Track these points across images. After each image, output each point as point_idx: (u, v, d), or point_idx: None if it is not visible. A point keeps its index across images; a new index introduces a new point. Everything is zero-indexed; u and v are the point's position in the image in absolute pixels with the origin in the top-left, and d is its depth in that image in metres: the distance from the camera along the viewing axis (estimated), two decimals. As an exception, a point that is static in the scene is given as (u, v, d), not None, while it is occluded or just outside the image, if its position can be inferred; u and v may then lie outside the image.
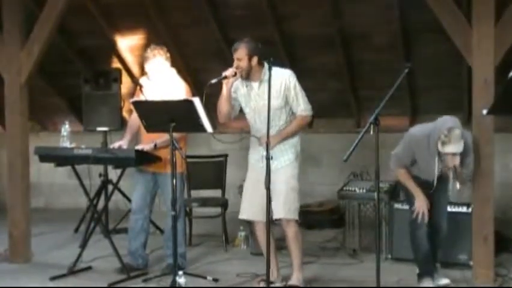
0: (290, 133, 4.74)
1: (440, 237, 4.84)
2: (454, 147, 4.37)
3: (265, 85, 4.46)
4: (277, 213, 4.68)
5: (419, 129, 4.70)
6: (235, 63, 4.64)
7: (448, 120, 4.48)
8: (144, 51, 5.30)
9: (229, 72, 4.61)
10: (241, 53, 4.62)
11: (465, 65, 5.36)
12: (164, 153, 4.98)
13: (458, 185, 4.59)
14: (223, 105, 4.72)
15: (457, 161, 4.42)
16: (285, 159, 4.72)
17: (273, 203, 4.65)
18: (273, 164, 4.57)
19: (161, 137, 5.05)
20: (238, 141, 5.06)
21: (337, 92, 7.33)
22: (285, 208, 4.67)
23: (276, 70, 4.58)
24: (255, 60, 4.64)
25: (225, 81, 4.63)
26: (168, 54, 5.25)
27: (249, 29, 6.65)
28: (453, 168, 4.47)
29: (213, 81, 4.56)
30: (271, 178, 4.46)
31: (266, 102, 4.36)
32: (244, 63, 4.62)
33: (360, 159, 5.08)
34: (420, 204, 4.67)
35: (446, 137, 4.35)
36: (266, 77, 4.48)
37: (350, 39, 6.79)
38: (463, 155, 4.43)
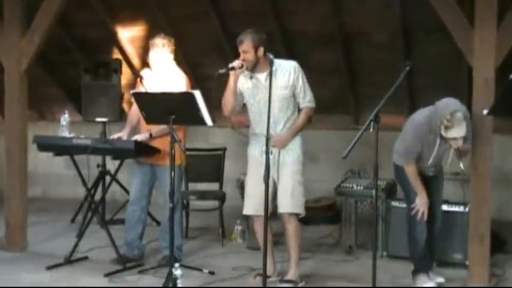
0: (300, 127, 4.74)
1: (435, 229, 4.85)
2: (457, 131, 4.36)
3: (272, 76, 4.47)
4: (284, 207, 4.69)
5: (421, 114, 4.67)
6: (242, 55, 4.62)
7: (449, 104, 4.45)
8: (151, 39, 5.28)
9: (236, 63, 4.59)
10: (247, 45, 4.60)
11: (465, 64, 5.37)
12: (163, 145, 4.98)
13: (462, 165, 4.59)
14: (229, 97, 4.70)
15: (460, 142, 4.43)
16: (292, 152, 4.73)
17: (279, 197, 4.68)
18: (280, 158, 4.62)
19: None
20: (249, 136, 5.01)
21: (336, 88, 7.33)
22: (292, 202, 4.68)
23: (282, 61, 4.62)
24: (261, 51, 4.62)
25: (231, 73, 4.62)
26: (174, 47, 5.26)
27: (249, 24, 6.60)
28: (457, 149, 4.49)
29: (221, 71, 4.54)
30: (277, 172, 4.50)
31: (274, 92, 4.38)
32: (250, 56, 4.60)
33: (357, 156, 5.07)
34: (422, 202, 4.69)
35: (448, 121, 4.33)
36: (273, 68, 4.49)
37: (350, 36, 6.79)
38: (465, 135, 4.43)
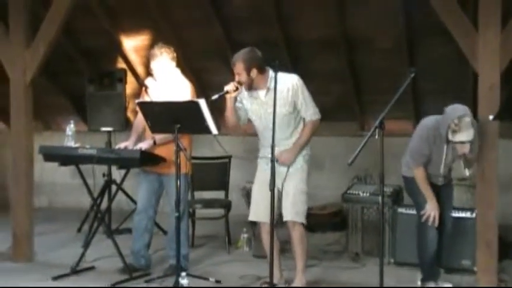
0: (305, 142, 4.74)
1: (444, 236, 4.83)
2: (464, 136, 4.36)
3: (272, 93, 4.43)
4: (286, 215, 4.71)
5: (430, 120, 4.68)
6: (236, 77, 4.63)
7: (457, 109, 4.45)
8: (151, 49, 5.31)
9: (230, 87, 4.59)
10: (238, 68, 4.61)
11: (470, 69, 5.36)
12: (169, 154, 4.98)
13: (467, 172, 4.61)
14: (229, 117, 4.74)
15: (466, 148, 4.42)
16: (296, 163, 4.73)
17: (282, 206, 4.68)
18: (285, 169, 4.62)
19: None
20: (238, 154, 5.03)
21: (340, 95, 7.33)
22: (292, 211, 4.68)
23: (281, 76, 4.54)
24: (254, 72, 4.61)
25: (227, 96, 4.63)
26: (175, 54, 5.25)
27: (253, 30, 6.66)
28: (463, 156, 4.49)
29: (214, 97, 4.53)
30: (282, 181, 4.53)
31: (273, 110, 4.34)
32: (243, 78, 4.60)
33: (363, 163, 5.08)
34: (432, 207, 4.67)
35: (456, 125, 4.34)
36: (272, 85, 4.46)
37: (353, 42, 6.79)
38: (472, 141, 4.42)
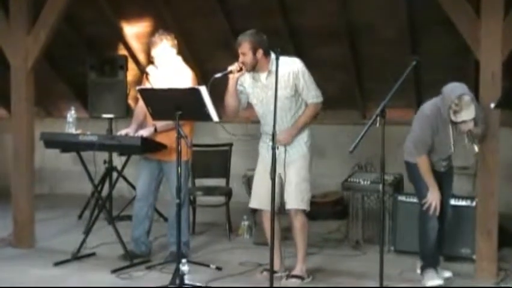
0: (305, 123, 4.73)
1: (444, 223, 4.83)
2: (466, 114, 4.35)
3: (273, 76, 4.41)
4: (289, 203, 4.71)
5: (428, 106, 4.66)
6: (240, 57, 4.61)
7: (455, 88, 4.43)
8: (151, 36, 5.29)
9: (234, 67, 4.58)
10: (245, 48, 4.58)
11: (472, 58, 5.35)
12: (170, 141, 4.98)
13: (476, 148, 4.60)
14: (229, 100, 4.71)
15: (470, 125, 4.42)
16: (297, 149, 4.73)
17: (285, 194, 4.69)
18: (286, 156, 4.62)
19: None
20: (243, 134, 5.02)
21: (343, 83, 7.32)
22: (297, 199, 4.69)
23: (283, 59, 4.52)
24: (260, 53, 4.60)
25: (230, 76, 4.62)
26: (175, 41, 5.24)
27: (256, 20, 6.63)
28: (468, 132, 4.49)
29: (218, 75, 4.52)
30: (284, 168, 4.52)
31: (274, 92, 4.34)
32: (249, 58, 4.58)
33: (364, 151, 5.08)
34: (434, 196, 4.66)
35: (457, 105, 4.33)
36: (274, 68, 4.44)
37: (357, 31, 6.77)
38: (474, 118, 4.41)
